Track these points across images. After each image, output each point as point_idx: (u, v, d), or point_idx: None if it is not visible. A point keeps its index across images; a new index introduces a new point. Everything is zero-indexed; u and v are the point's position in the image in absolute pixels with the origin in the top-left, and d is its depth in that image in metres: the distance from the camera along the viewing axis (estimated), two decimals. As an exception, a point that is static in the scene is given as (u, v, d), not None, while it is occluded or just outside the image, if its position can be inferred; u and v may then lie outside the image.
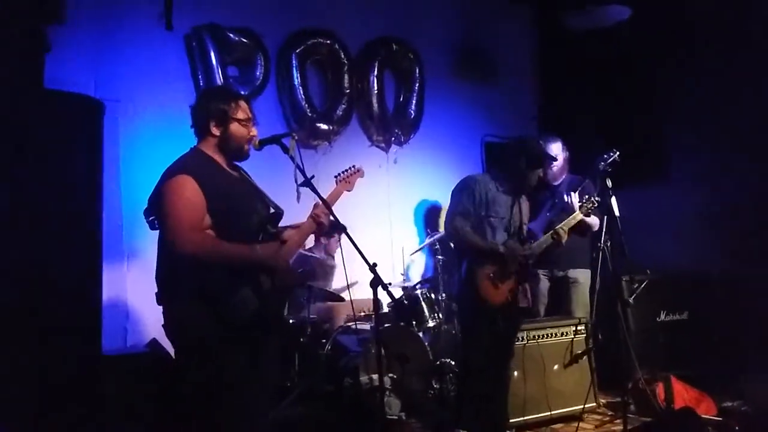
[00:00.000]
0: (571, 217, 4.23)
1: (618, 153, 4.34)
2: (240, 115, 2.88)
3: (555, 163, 4.95)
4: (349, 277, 5.41)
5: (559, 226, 4.11)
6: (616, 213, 4.21)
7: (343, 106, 5.95)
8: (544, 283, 5.08)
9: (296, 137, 2.95)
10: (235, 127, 2.88)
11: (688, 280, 5.40)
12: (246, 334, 2.74)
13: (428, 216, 6.33)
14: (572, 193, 4.56)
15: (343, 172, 3.31)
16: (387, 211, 6.16)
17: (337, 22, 5.96)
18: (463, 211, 3.94)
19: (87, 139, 1.63)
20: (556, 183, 5.05)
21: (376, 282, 2.92)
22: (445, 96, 6.58)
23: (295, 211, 3.06)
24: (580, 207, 4.26)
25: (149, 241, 2.87)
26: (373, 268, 2.94)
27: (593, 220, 4.61)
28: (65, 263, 1.48)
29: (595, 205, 4.24)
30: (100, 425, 2.54)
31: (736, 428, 4.04)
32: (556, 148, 5.00)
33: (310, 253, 5.33)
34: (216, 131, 2.87)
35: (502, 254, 3.85)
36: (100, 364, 1.68)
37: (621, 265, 4.32)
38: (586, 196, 4.30)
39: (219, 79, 5.24)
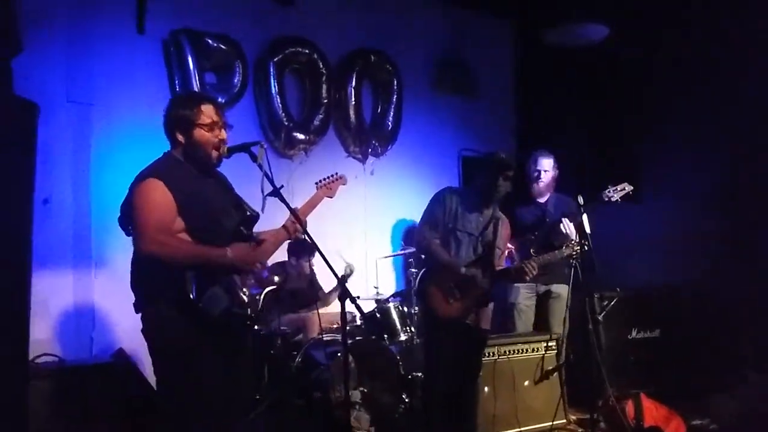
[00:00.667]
0: (551, 254, 4.12)
1: (632, 188, 4.37)
2: (203, 119, 2.84)
3: (542, 178, 4.98)
4: (323, 287, 5.45)
5: (532, 260, 3.96)
6: (587, 230, 4.24)
7: (321, 116, 5.92)
8: (524, 297, 4.99)
9: (265, 146, 2.92)
10: (198, 133, 2.84)
11: (660, 298, 5.42)
12: (219, 334, 2.73)
13: (403, 229, 6.30)
14: (568, 222, 4.54)
15: (324, 179, 3.28)
16: (362, 223, 6.12)
17: (316, 31, 5.93)
18: (432, 222, 3.97)
19: (19, 142, 1.56)
20: (541, 200, 5.04)
21: (345, 295, 2.91)
22: (423, 109, 6.57)
23: (261, 221, 3.03)
24: (565, 247, 4.17)
25: (119, 248, 2.85)
26: (341, 281, 2.93)
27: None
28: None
29: (578, 251, 4.14)
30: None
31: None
32: (547, 164, 5.00)
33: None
34: (181, 139, 2.85)
35: (460, 275, 3.84)
36: (26, 381, 1.59)
37: (591, 281, 4.33)
38: (573, 242, 4.24)
39: (196, 85, 5.17)
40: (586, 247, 4.13)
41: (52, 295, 4.53)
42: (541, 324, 5.00)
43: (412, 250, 5.41)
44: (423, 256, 4.18)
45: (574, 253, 4.12)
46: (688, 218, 5.59)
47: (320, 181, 3.27)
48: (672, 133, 5.83)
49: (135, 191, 2.74)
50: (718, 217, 5.39)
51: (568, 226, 4.50)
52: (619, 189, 4.42)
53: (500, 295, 5.08)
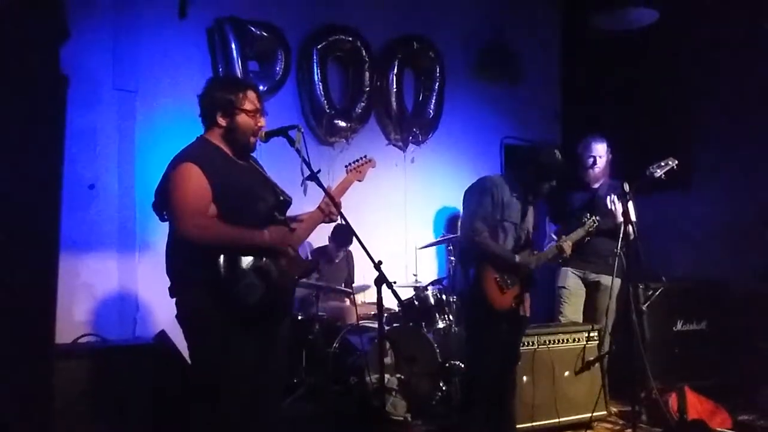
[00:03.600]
0: (576, 232, 4.15)
1: (676, 162, 4.27)
2: (247, 105, 2.85)
3: (597, 164, 4.85)
4: (360, 278, 5.46)
5: (566, 239, 4.05)
6: (633, 218, 4.14)
7: (363, 103, 5.92)
8: (574, 282, 4.88)
9: (302, 130, 2.92)
10: (242, 118, 2.85)
11: (708, 289, 5.26)
12: (254, 322, 2.74)
13: (444, 217, 6.26)
14: (615, 198, 4.47)
15: (354, 162, 3.25)
16: (402, 211, 6.11)
17: (359, 18, 5.92)
18: (483, 214, 3.84)
19: (48, 116, 1.55)
20: (595, 186, 4.91)
21: (381, 280, 2.89)
22: (466, 96, 6.51)
23: (302, 206, 3.04)
24: (583, 224, 4.18)
25: (162, 233, 2.87)
26: (378, 266, 2.90)
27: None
28: (9, 251, 1.37)
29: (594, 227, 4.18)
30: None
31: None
32: (602, 149, 4.87)
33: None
34: (222, 122, 2.85)
35: (516, 265, 3.81)
36: (52, 363, 1.59)
37: (637, 271, 4.22)
38: (591, 217, 4.21)
39: (239, 72, 5.23)
40: (632, 235, 4.05)
41: (96, 277, 4.66)
42: (586, 314, 4.90)
43: (450, 236, 5.36)
44: (466, 247, 4.06)
45: (591, 228, 4.15)
46: (740, 209, 5.42)
47: (350, 164, 3.24)
48: (723, 121, 5.65)
49: (171, 176, 2.73)
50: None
51: (613, 203, 4.44)
52: (662, 164, 4.30)
53: (548, 281, 5.02)
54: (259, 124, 2.90)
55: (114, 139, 4.89)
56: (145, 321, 4.78)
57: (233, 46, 5.24)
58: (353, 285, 5.44)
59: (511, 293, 3.82)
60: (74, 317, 4.46)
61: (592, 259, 4.75)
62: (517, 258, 3.82)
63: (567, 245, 4.02)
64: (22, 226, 1.46)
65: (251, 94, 2.89)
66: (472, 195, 3.95)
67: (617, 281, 4.67)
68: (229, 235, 2.70)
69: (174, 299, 2.80)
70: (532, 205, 4.01)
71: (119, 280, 4.80)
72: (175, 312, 2.80)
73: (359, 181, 3.21)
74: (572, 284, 4.88)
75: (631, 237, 4.07)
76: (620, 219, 4.23)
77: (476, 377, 3.94)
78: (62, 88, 1.61)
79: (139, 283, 4.84)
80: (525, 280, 3.89)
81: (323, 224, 3.10)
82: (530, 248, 3.96)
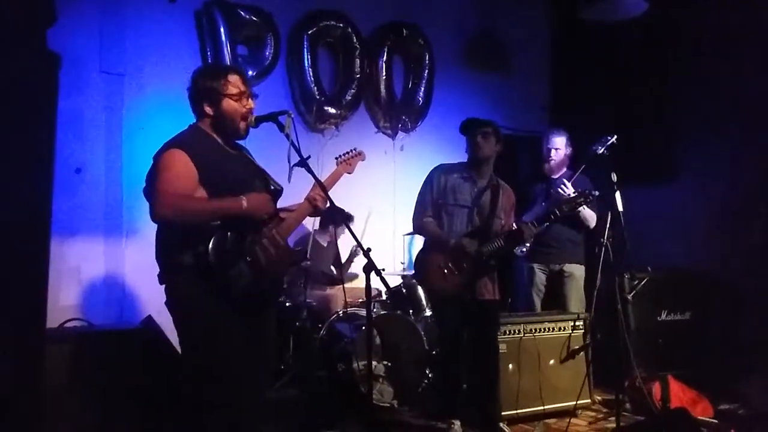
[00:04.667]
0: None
1: (615, 137, 4.29)
2: (231, 89, 2.84)
3: (552, 156, 4.98)
4: (348, 266, 5.47)
5: (530, 223, 4.00)
6: (620, 208, 4.16)
7: (353, 90, 5.89)
8: (539, 276, 5.04)
9: (292, 116, 2.90)
10: (227, 103, 2.83)
11: (693, 280, 5.31)
12: (243, 309, 2.73)
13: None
14: (567, 182, 4.66)
15: (344, 154, 3.26)
16: (391, 199, 6.11)
17: (349, 4, 5.89)
18: (423, 204, 4.04)
19: (38, 96, 1.52)
20: (554, 176, 5.00)
21: (370, 267, 2.90)
22: (455, 84, 6.50)
23: (286, 191, 3.02)
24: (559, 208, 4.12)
25: (149, 218, 2.85)
26: (366, 253, 2.92)
27: (588, 214, 4.65)
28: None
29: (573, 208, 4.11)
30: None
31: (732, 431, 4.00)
32: (559, 142, 4.99)
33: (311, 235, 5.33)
34: (209, 110, 2.84)
35: (449, 247, 3.85)
36: (41, 350, 1.57)
37: (622, 261, 4.26)
38: (575, 192, 4.26)
39: (228, 57, 5.18)
40: (617, 224, 4.09)
41: (83, 262, 4.64)
42: (556, 303, 4.99)
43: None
44: (419, 235, 4.26)
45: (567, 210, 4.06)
46: (725, 199, 5.45)
47: (340, 156, 3.24)
48: (710, 111, 5.66)
49: (158, 161, 2.72)
50: (756, 199, 5.25)
51: (566, 187, 4.63)
52: (603, 140, 4.28)
53: (520, 278, 5.13)
54: (246, 107, 2.88)
55: (101, 123, 4.84)
56: (132, 306, 4.76)
57: (222, 29, 5.19)
58: (341, 270, 5.45)
59: (455, 278, 3.85)
60: (60, 302, 4.43)
61: (552, 250, 4.88)
62: (452, 241, 3.85)
63: (529, 229, 3.89)
64: (12, 210, 1.43)
65: (234, 78, 2.87)
66: (421, 185, 4.11)
67: (582, 268, 4.86)
68: (205, 208, 2.68)
69: (163, 285, 2.79)
70: (502, 190, 4.01)
71: (106, 264, 4.77)
72: (164, 298, 2.79)
73: (349, 173, 3.22)
74: (537, 280, 5.02)
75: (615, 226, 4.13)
76: (571, 196, 4.34)
77: (446, 363, 4.04)
78: (54, 67, 1.57)
79: (126, 267, 4.82)
80: (472, 265, 3.85)
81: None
82: (486, 232, 3.90)
